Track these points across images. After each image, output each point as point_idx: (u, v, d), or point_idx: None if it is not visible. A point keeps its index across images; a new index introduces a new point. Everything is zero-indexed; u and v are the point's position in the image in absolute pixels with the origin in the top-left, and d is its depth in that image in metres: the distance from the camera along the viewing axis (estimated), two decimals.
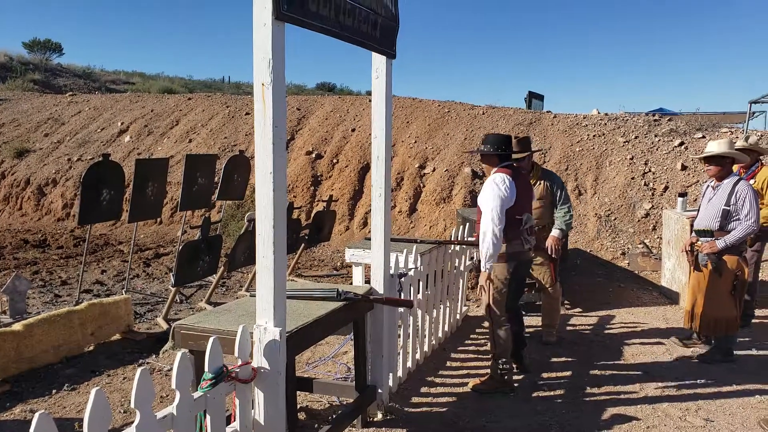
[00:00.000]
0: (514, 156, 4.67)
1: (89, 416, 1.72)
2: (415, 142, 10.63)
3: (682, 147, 9.24)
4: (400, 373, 4.01)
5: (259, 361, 2.44)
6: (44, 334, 4.33)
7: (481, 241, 3.73)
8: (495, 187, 3.76)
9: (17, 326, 4.22)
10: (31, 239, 9.47)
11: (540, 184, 4.93)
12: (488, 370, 4.14)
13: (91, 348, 4.72)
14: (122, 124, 13.41)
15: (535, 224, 4.71)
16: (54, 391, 3.96)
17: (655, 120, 10.45)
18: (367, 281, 3.92)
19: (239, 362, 2.38)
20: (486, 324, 5.46)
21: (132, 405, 1.88)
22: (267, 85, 2.24)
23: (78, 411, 3.66)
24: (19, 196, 11.99)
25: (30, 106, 15.53)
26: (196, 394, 2.18)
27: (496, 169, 3.94)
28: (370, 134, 3.53)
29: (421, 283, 4.33)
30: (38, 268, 7.62)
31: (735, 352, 4.62)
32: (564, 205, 4.89)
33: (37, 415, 1.59)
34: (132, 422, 1.92)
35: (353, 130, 11.26)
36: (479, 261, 3.83)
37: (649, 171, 8.98)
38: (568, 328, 5.51)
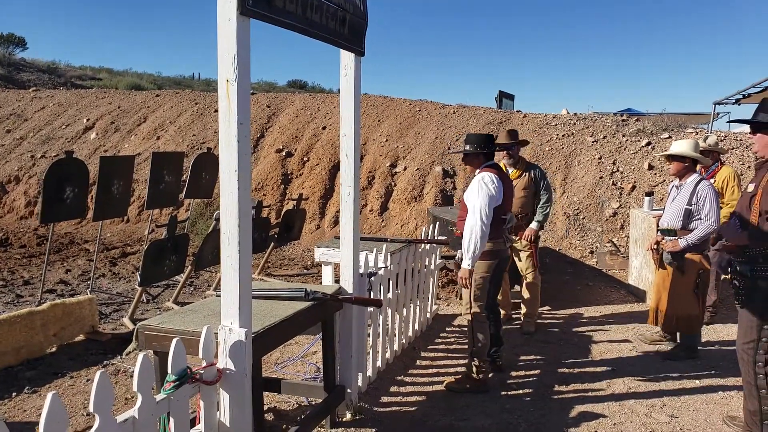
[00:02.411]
0: (503, 145, 5.00)
1: (45, 421, 1.67)
2: (387, 140, 10.62)
3: (649, 147, 9.42)
4: (369, 373, 3.99)
5: (224, 362, 2.40)
6: (4, 336, 4.20)
7: (467, 238, 3.74)
8: (483, 186, 3.79)
9: None
10: None
11: (525, 175, 5.21)
12: (459, 369, 4.15)
13: (54, 349, 4.60)
14: (88, 120, 13.10)
15: (519, 212, 4.90)
16: (14, 393, 3.84)
17: (623, 120, 10.64)
18: (337, 280, 3.89)
19: (204, 363, 2.34)
20: (457, 322, 5.53)
21: (91, 409, 1.83)
22: (232, 81, 2.21)
23: (38, 414, 3.55)
24: None
25: None
26: (159, 397, 2.13)
27: (481, 168, 3.97)
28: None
29: (391, 282, 4.32)
30: None
31: (699, 349, 4.72)
32: (544, 195, 5.19)
33: None
34: (91, 427, 1.87)
35: (324, 128, 11.21)
36: (461, 258, 3.84)
37: (617, 170, 9.13)
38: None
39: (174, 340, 2.21)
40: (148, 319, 2.87)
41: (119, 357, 4.49)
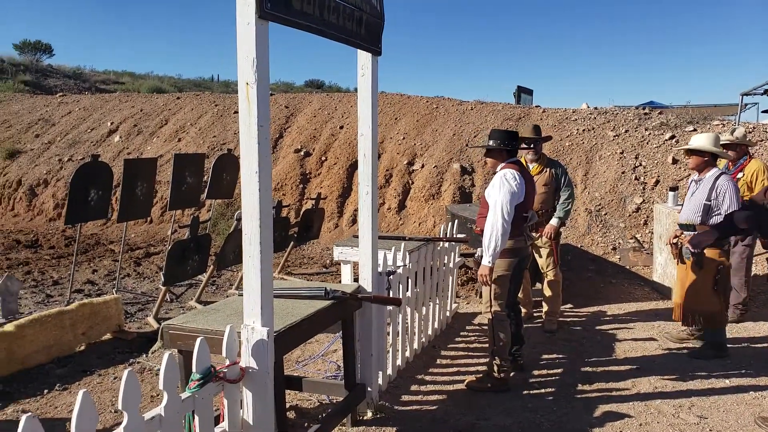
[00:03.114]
0: (528, 140, 5.01)
1: (76, 419, 1.72)
2: (404, 138, 10.63)
3: (673, 140, 9.28)
4: (389, 372, 4.01)
5: (247, 360, 2.44)
6: (36, 335, 4.32)
7: (488, 236, 3.72)
8: (505, 183, 3.77)
9: (9, 327, 4.21)
10: (23, 239, 9.42)
11: (546, 171, 5.19)
12: (480, 368, 4.14)
13: (82, 348, 4.71)
14: (112, 124, 13.34)
15: (539, 209, 4.89)
16: (45, 391, 3.94)
17: (646, 113, 10.50)
18: (356, 279, 3.92)
19: (227, 362, 2.38)
20: (477, 321, 5.52)
21: (119, 407, 1.88)
22: (251, 84, 2.24)
23: (69, 411, 3.65)
24: (11, 197, 11.93)
25: (21, 107, 15.42)
26: (184, 395, 2.18)
27: (503, 164, 3.95)
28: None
29: (410, 280, 4.33)
30: (30, 268, 7.58)
31: (728, 347, 4.63)
32: (565, 192, 5.15)
33: (24, 417, 1.60)
34: (120, 423, 1.92)
35: (341, 128, 11.25)
36: (481, 255, 3.83)
37: (640, 165, 9.02)
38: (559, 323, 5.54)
39: (198, 340, 2.25)
40: (173, 318, 2.92)
41: (145, 355, 4.57)
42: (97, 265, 7.88)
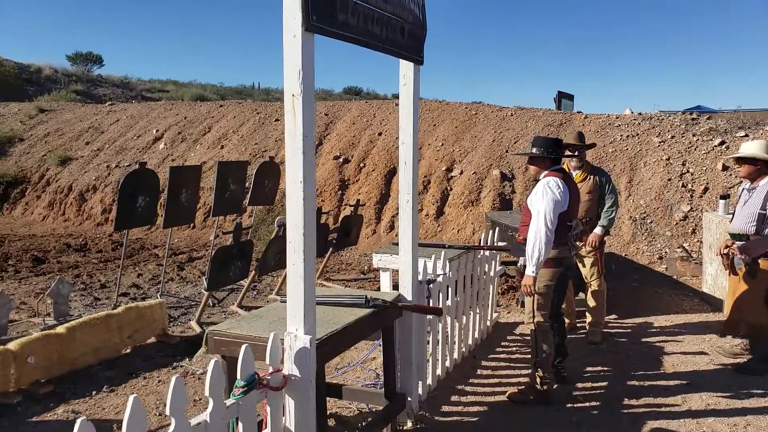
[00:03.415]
0: (572, 146, 4.98)
1: (127, 423, 1.77)
2: (442, 144, 10.59)
3: (723, 146, 8.98)
4: (429, 381, 3.98)
5: (289, 368, 2.46)
6: (85, 337, 4.45)
7: (531, 245, 3.67)
8: (549, 191, 3.72)
9: (60, 329, 4.36)
10: (73, 243, 9.75)
11: (590, 178, 5.10)
12: (522, 379, 4.08)
13: (128, 350, 4.83)
14: (157, 131, 13.71)
15: (583, 217, 4.81)
16: (94, 392, 4.06)
17: (693, 119, 10.19)
18: (395, 286, 3.91)
19: (270, 369, 2.40)
20: (519, 331, 5.43)
21: (168, 412, 1.92)
22: (297, 95, 2.26)
23: (116, 412, 3.75)
24: (62, 202, 12.38)
25: (73, 116, 16.00)
26: (229, 402, 2.21)
27: (546, 172, 3.90)
28: (396, 138, 3.54)
29: (450, 289, 4.30)
30: (79, 271, 7.84)
31: None
32: (609, 200, 5.06)
33: (78, 421, 1.66)
34: (167, 426, 1.96)
35: (380, 134, 11.28)
36: (524, 265, 3.78)
37: (687, 172, 8.76)
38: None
39: (243, 347, 2.28)
40: (217, 324, 2.98)
41: (188, 359, 4.66)
42: (142, 269, 8.09)
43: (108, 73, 28.77)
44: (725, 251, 4.47)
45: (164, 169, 10.16)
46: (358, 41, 2.56)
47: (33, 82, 24.97)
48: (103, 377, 4.32)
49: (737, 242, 4.36)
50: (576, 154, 5.04)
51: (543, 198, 3.71)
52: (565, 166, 5.17)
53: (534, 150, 3.95)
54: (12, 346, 3.97)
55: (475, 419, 3.66)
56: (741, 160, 4.41)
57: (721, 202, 6.37)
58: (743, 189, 4.51)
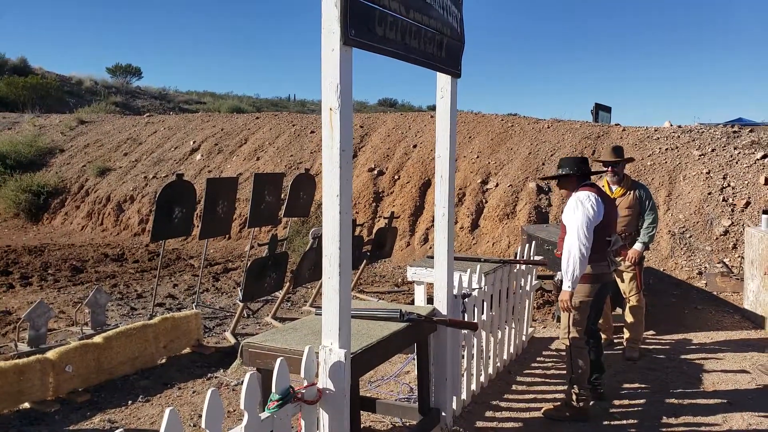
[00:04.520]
0: (608, 162, 4.98)
1: None
2: (478, 157, 10.53)
3: (766, 160, 8.71)
4: (464, 396, 3.93)
5: (324, 382, 2.45)
6: (122, 347, 4.53)
7: (566, 260, 3.65)
8: (580, 205, 3.70)
9: (98, 338, 4.44)
10: (110, 253, 9.97)
11: (630, 193, 5.05)
12: (557, 395, 3.99)
13: (164, 361, 4.89)
14: (194, 142, 13.98)
15: (623, 232, 4.74)
16: (130, 402, 4.12)
17: (735, 131, 9.92)
18: (430, 300, 3.88)
19: (305, 383, 2.40)
20: (555, 346, 5.33)
21: (203, 425, 1.93)
22: (335, 110, 2.27)
23: (151, 423, 3.80)
24: (100, 213, 12.69)
25: (112, 127, 16.45)
26: (264, 415, 2.21)
27: (577, 188, 3.88)
28: (431, 150, 3.53)
29: (485, 303, 4.25)
30: (116, 281, 8.01)
31: None
32: (649, 216, 5.00)
33: None
34: None
35: (414, 147, 11.28)
36: (560, 280, 3.74)
37: (728, 185, 8.51)
38: None
39: (278, 360, 2.28)
40: (252, 336, 2.99)
41: (222, 370, 4.69)
42: (178, 279, 8.22)
43: (146, 85, 29.61)
44: None
45: (201, 181, 10.34)
46: (397, 55, 2.56)
47: (74, 94, 25.80)
48: (139, 387, 4.38)
49: None
50: (610, 168, 5.00)
51: (574, 212, 3.69)
52: (604, 182, 5.09)
53: (560, 171, 3.95)
54: (50, 354, 4.06)
55: None
56: None
57: (764, 216, 6.20)
58: None
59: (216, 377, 4.57)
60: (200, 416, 1.95)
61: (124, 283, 7.92)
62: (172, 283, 7.93)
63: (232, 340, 5.40)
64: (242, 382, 2.11)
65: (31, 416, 3.84)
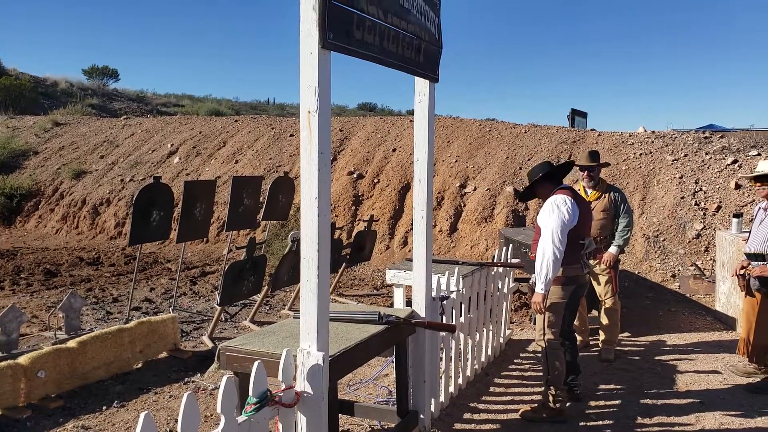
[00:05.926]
0: (584, 167, 5.07)
1: None
2: (456, 161, 10.60)
3: (736, 165, 8.92)
4: (442, 398, 3.95)
5: (302, 385, 2.45)
6: (97, 351, 4.46)
7: (540, 262, 3.68)
8: (556, 208, 3.73)
9: (72, 343, 4.37)
10: (85, 257, 9.82)
11: (605, 196, 5.11)
12: (535, 397, 4.03)
13: (140, 365, 4.84)
14: (172, 145, 13.84)
15: (598, 235, 4.81)
16: (104, 407, 4.06)
17: (706, 137, 10.14)
18: (408, 303, 3.90)
19: (283, 386, 2.39)
20: (531, 348, 5.39)
21: (179, 430, 1.91)
22: (313, 112, 2.28)
23: (126, 428, 3.75)
24: (75, 216, 12.48)
25: (88, 130, 16.21)
26: (241, 419, 2.19)
27: (553, 191, 3.92)
28: (410, 154, 3.56)
29: (463, 306, 4.28)
30: (92, 285, 7.89)
31: None
32: (624, 219, 5.05)
33: None
34: None
35: (394, 150, 11.32)
36: (534, 282, 3.78)
37: (700, 190, 8.70)
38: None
39: (255, 364, 2.27)
40: (229, 340, 2.97)
41: (199, 375, 4.66)
42: (155, 283, 8.13)
43: (123, 87, 29.24)
44: (741, 272, 4.42)
45: (179, 184, 10.24)
46: (375, 59, 2.58)
47: (49, 96, 25.35)
48: (113, 392, 4.32)
49: (753, 263, 4.31)
50: (585, 171, 5.09)
51: (550, 215, 3.72)
52: (579, 186, 5.17)
53: (533, 180, 4.01)
54: (22, 360, 3.99)
55: None
56: (759, 179, 4.38)
57: (734, 220, 6.33)
58: (759, 208, 4.47)
59: (193, 381, 4.53)
60: (176, 421, 1.93)
61: (99, 287, 7.80)
62: (149, 287, 7.84)
63: (210, 344, 5.36)
64: (219, 386, 2.10)
65: (2, 423, 3.77)
